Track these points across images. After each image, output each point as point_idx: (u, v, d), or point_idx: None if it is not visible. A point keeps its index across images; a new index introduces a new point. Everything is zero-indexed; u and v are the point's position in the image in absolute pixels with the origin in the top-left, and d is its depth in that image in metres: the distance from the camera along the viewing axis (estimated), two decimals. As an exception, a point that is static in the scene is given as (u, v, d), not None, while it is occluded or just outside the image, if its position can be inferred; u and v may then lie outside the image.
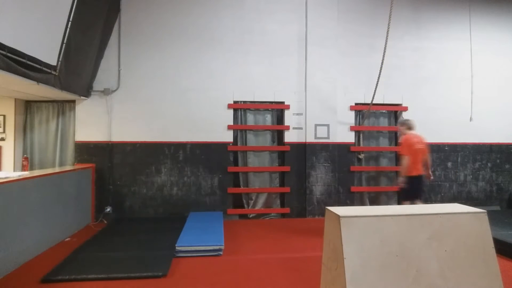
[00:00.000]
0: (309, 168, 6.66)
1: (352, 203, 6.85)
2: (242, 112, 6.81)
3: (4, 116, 6.15)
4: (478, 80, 7.21)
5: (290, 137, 6.76)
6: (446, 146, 7.20)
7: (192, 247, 4.45)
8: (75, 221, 5.53)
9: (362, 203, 7.00)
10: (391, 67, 6.55)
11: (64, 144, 6.42)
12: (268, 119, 6.89)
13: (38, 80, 4.56)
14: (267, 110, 6.86)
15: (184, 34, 6.56)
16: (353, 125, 6.94)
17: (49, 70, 4.78)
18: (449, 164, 7.22)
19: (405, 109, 7.06)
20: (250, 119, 6.83)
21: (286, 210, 6.70)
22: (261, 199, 6.76)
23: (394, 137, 7.13)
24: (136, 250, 4.48)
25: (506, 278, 3.59)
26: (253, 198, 6.73)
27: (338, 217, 2.45)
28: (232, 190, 6.64)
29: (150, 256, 4.22)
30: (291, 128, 6.76)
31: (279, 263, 4.21)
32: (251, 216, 6.67)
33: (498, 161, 7.39)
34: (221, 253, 4.51)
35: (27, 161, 5.25)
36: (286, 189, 6.73)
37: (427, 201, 7.09)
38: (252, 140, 6.80)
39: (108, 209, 6.28)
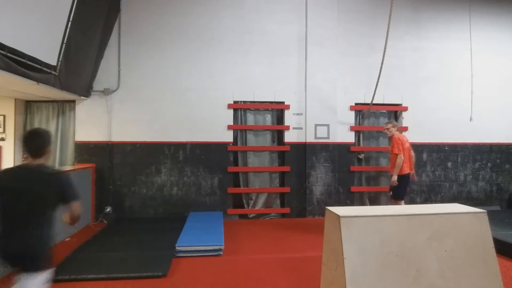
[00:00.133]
0: (309, 168, 6.66)
1: (352, 203, 6.85)
2: (242, 112, 6.81)
3: (4, 116, 6.16)
4: (478, 80, 7.20)
5: (290, 137, 6.76)
6: (446, 146, 7.19)
7: (192, 247, 4.45)
8: (75, 221, 5.51)
9: (362, 203, 6.99)
10: (391, 67, 6.55)
11: (64, 144, 6.42)
12: (268, 119, 6.89)
13: (38, 80, 4.56)
14: (267, 110, 6.86)
15: (184, 34, 6.55)
16: (353, 125, 6.94)
17: (49, 70, 4.78)
18: (449, 164, 7.21)
19: (405, 109, 7.06)
20: (250, 119, 6.83)
21: (286, 210, 6.70)
22: (261, 199, 6.76)
23: (394, 137, 7.13)
24: (136, 250, 4.49)
25: (506, 278, 3.59)
26: (253, 198, 6.73)
27: (338, 217, 2.45)
28: (232, 190, 6.64)
29: (150, 256, 4.22)
30: (291, 128, 6.75)
31: (279, 263, 4.21)
32: (251, 216, 6.67)
33: (498, 161, 7.39)
34: (221, 253, 4.51)
35: (27, 161, 5.24)
36: (286, 189, 6.73)
37: (427, 201, 7.10)
38: (252, 140, 6.79)
39: (108, 209, 6.28)
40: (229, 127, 6.62)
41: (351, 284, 2.30)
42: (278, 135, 6.92)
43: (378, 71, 5.82)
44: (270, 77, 6.73)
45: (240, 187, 6.77)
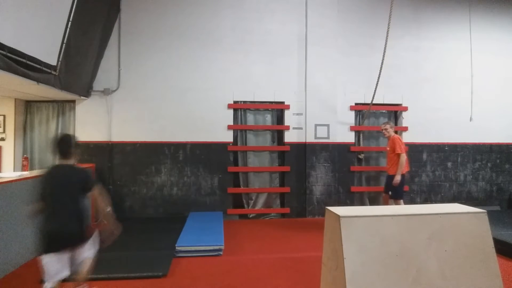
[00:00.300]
0: (309, 168, 6.66)
1: (352, 203, 6.85)
2: (242, 112, 6.81)
3: (4, 116, 6.15)
4: (478, 80, 7.20)
5: (290, 137, 6.76)
6: (446, 146, 7.20)
7: (192, 247, 4.45)
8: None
9: (362, 203, 6.99)
10: (391, 67, 6.55)
11: (64, 144, 6.41)
12: (268, 119, 6.89)
13: (38, 80, 4.56)
14: (267, 110, 6.86)
15: (184, 34, 6.55)
16: (353, 125, 6.94)
17: (49, 70, 4.78)
18: (449, 164, 7.21)
19: (405, 109, 7.06)
20: (250, 119, 6.83)
21: (286, 210, 6.70)
22: (261, 199, 6.76)
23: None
24: (136, 250, 4.48)
25: (506, 278, 3.59)
26: (253, 198, 6.73)
27: (338, 217, 2.45)
28: (232, 190, 6.63)
29: (150, 256, 4.22)
30: (291, 128, 6.75)
31: (279, 263, 4.21)
32: (251, 216, 6.67)
33: (498, 161, 7.39)
34: (221, 253, 4.51)
35: (27, 161, 5.25)
36: (286, 189, 6.73)
37: (427, 201, 7.10)
38: (252, 140, 6.80)
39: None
40: (229, 127, 6.62)
41: (351, 284, 2.30)
42: (278, 135, 6.92)
43: (378, 71, 5.82)
44: (270, 77, 6.73)
45: (240, 187, 6.77)
